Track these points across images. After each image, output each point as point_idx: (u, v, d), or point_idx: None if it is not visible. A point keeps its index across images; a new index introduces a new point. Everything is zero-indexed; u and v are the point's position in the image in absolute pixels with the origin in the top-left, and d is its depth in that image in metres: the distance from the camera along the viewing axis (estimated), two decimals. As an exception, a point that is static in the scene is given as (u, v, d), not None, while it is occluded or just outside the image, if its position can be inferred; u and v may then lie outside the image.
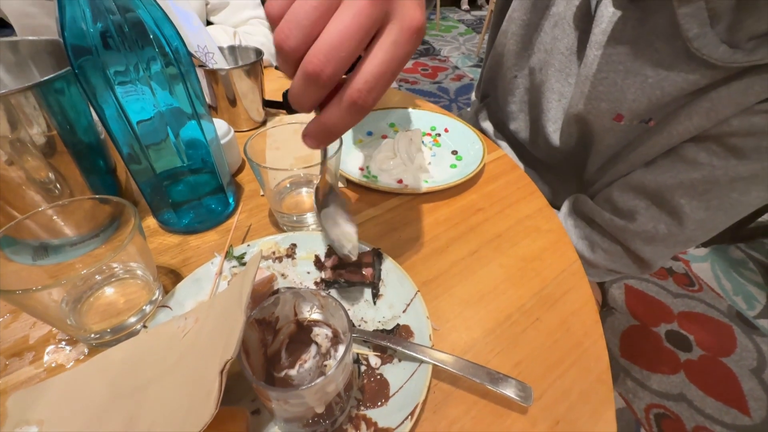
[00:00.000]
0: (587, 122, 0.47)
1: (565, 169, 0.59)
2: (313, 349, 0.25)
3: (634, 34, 0.40)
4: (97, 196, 0.32)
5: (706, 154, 0.40)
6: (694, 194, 0.41)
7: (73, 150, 0.36)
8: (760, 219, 1.51)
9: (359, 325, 0.31)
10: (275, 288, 0.32)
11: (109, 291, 0.33)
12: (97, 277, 0.32)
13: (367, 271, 0.33)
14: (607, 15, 0.41)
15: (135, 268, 0.34)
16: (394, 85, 2.84)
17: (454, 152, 0.53)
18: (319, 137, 0.23)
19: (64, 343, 0.31)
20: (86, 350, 0.30)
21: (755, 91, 0.34)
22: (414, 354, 0.27)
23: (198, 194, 0.40)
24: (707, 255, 1.48)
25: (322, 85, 0.20)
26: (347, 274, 0.33)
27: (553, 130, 0.54)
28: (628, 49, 0.40)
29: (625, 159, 0.47)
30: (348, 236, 0.32)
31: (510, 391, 0.26)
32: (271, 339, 0.24)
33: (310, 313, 0.25)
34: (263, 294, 0.31)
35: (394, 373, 0.27)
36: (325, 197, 0.33)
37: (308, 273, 0.35)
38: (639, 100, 0.41)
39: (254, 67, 0.54)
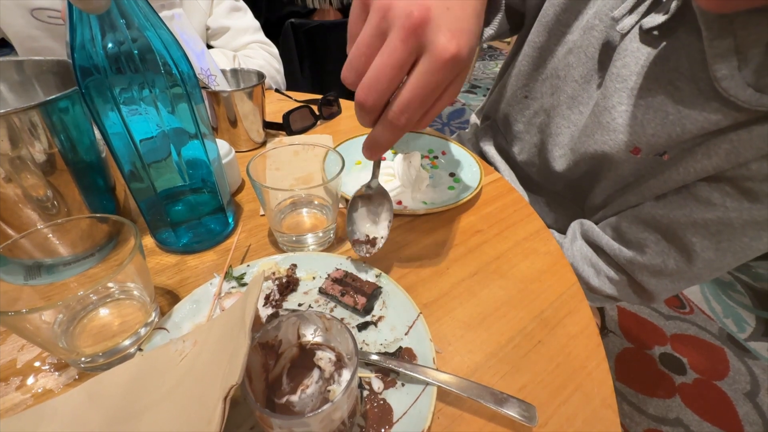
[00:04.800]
0: (603, 152, 0.46)
1: (566, 194, 0.60)
2: (315, 373, 0.25)
3: (657, 70, 0.40)
4: (96, 215, 0.32)
5: (719, 195, 0.40)
6: (706, 234, 0.41)
7: (73, 168, 0.36)
8: (745, 242, 1.54)
9: (361, 348, 0.30)
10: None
11: (103, 312, 0.32)
12: (92, 297, 0.32)
13: (359, 300, 0.33)
14: (631, 49, 0.42)
15: (132, 288, 0.33)
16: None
17: (452, 174, 0.54)
18: (370, 149, 0.30)
19: (52, 367, 0.30)
20: (76, 375, 0.29)
21: None
22: (420, 376, 0.26)
23: (198, 214, 0.40)
24: (696, 277, 1.50)
25: (369, 111, 0.26)
26: (342, 292, 0.34)
27: (560, 155, 0.54)
28: (650, 84, 0.41)
29: (634, 190, 0.47)
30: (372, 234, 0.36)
31: (514, 412, 0.25)
32: (273, 363, 0.24)
33: (314, 336, 0.24)
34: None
35: (398, 398, 0.27)
36: (373, 197, 0.37)
37: (305, 293, 0.35)
38: (658, 135, 0.41)
39: (256, 90, 0.55)
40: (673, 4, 0.38)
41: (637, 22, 0.41)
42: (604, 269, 0.49)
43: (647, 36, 0.41)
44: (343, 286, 0.34)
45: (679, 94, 0.39)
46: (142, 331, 0.31)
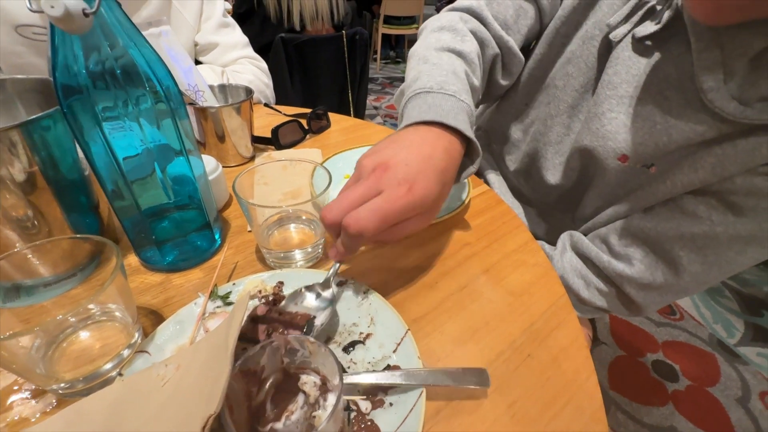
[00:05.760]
0: (592, 158, 0.47)
1: (557, 205, 0.60)
2: (300, 398, 0.24)
3: (647, 79, 0.41)
4: (76, 236, 0.31)
5: (705, 208, 0.40)
6: (693, 247, 0.42)
7: (55, 187, 0.35)
8: (731, 248, 1.57)
9: (349, 368, 0.30)
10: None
11: (84, 335, 0.31)
12: (71, 320, 0.31)
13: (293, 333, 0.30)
14: (623, 58, 0.43)
15: (113, 309, 0.32)
16: (379, 120, 2.92)
17: (441, 187, 0.54)
18: (335, 253, 0.33)
19: (29, 393, 0.29)
20: (54, 401, 0.28)
21: (761, 154, 0.36)
22: (410, 382, 0.26)
23: (183, 231, 0.40)
24: (685, 283, 1.52)
25: (329, 226, 0.31)
26: (268, 331, 0.30)
27: (559, 163, 0.54)
28: (640, 93, 0.42)
29: (623, 202, 0.48)
30: None
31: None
32: (256, 390, 0.23)
33: (298, 360, 0.24)
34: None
35: (386, 418, 0.26)
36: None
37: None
38: (646, 143, 0.42)
39: (243, 105, 0.55)
40: (666, 15, 0.39)
41: (630, 31, 0.42)
42: (594, 281, 0.49)
43: (639, 45, 0.42)
44: (268, 324, 0.30)
45: (668, 103, 0.40)
46: (125, 352, 0.30)
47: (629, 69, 0.42)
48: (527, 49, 0.57)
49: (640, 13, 0.41)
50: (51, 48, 0.28)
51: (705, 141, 0.39)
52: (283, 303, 0.32)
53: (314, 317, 0.32)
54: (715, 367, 1.21)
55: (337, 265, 0.34)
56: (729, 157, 0.37)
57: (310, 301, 0.33)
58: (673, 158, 0.42)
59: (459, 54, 0.48)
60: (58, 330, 0.30)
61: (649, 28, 0.40)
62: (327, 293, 0.33)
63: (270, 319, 0.31)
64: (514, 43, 0.53)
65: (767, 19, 0.32)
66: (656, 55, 0.41)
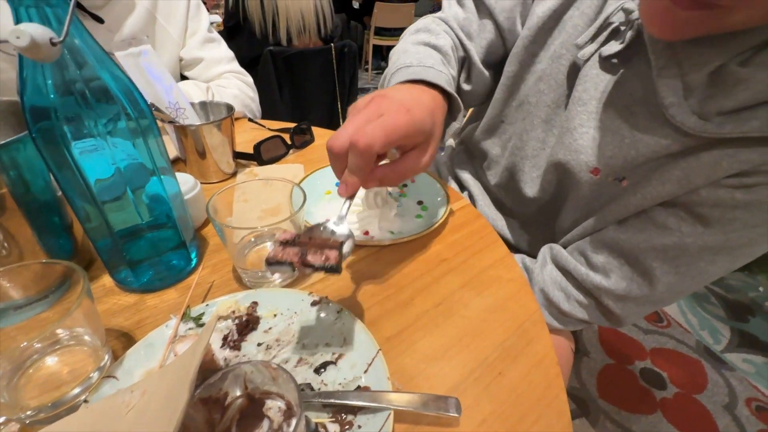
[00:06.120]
0: (566, 171, 0.49)
1: (537, 218, 0.61)
2: (265, 424, 0.24)
3: (614, 96, 0.43)
4: (44, 261, 0.31)
5: (675, 220, 0.42)
6: (665, 258, 0.42)
7: (26, 209, 0.35)
8: (716, 254, 1.59)
9: (319, 388, 0.30)
10: (213, 355, 0.31)
11: (51, 360, 0.31)
12: (37, 345, 0.30)
13: (330, 254, 0.29)
14: (591, 75, 0.45)
15: (82, 333, 0.32)
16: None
17: (420, 202, 0.55)
18: (346, 189, 0.34)
19: (-8, 422, 0.28)
20: (16, 430, 0.28)
21: (723, 167, 0.37)
22: (377, 405, 0.26)
23: (158, 251, 0.40)
24: (672, 290, 1.54)
25: (336, 155, 0.33)
26: (303, 252, 0.29)
27: (536, 176, 0.55)
28: (608, 109, 0.43)
29: (598, 215, 0.49)
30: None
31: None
32: (219, 417, 0.23)
33: (262, 384, 0.24)
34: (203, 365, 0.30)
35: (354, 441, 0.26)
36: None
37: (266, 332, 0.34)
38: (615, 157, 0.43)
39: (225, 122, 0.55)
40: (629, 34, 0.41)
41: (596, 51, 0.44)
42: (574, 293, 0.50)
43: (606, 63, 0.43)
44: (300, 247, 0.30)
45: (634, 118, 0.42)
46: (94, 376, 0.30)
47: (597, 86, 0.44)
48: (494, 66, 0.60)
49: (605, 33, 0.43)
50: (19, 73, 0.28)
51: (671, 154, 0.40)
52: (304, 232, 0.33)
53: (343, 242, 0.32)
54: (702, 374, 1.22)
55: (348, 202, 0.35)
56: (693, 170, 0.39)
57: (330, 233, 0.34)
58: (642, 172, 0.43)
59: (434, 47, 0.52)
60: (23, 357, 0.30)
61: (614, 47, 0.42)
62: (343, 228, 0.34)
63: (302, 242, 0.31)
64: (475, 53, 0.56)
65: (721, 36, 0.33)
66: (622, 73, 0.42)
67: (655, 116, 0.40)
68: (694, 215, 0.41)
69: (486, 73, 0.58)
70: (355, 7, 4.32)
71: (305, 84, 1.43)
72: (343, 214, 0.35)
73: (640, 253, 0.44)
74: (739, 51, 0.33)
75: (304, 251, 0.29)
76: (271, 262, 0.29)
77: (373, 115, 0.33)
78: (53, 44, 0.26)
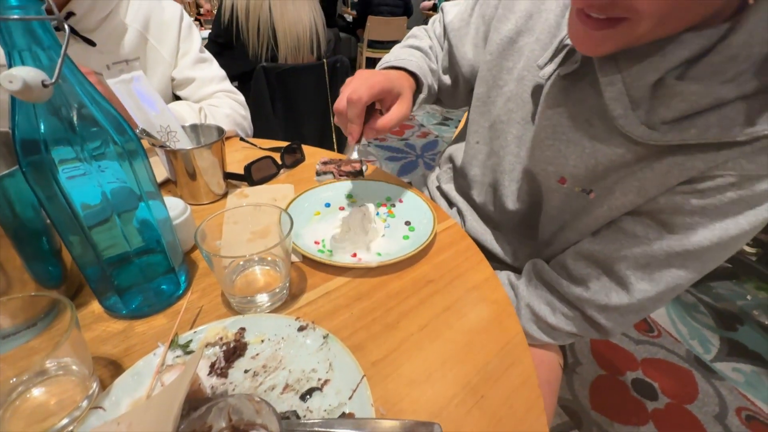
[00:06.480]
0: (537, 181, 0.53)
1: (521, 231, 0.63)
2: (248, 455, 0.25)
3: (575, 110, 0.46)
4: (27, 294, 0.31)
5: (642, 228, 0.44)
6: (637, 266, 0.44)
7: (14, 237, 0.36)
8: (704, 264, 1.62)
9: (305, 416, 0.31)
10: (200, 384, 0.31)
11: (38, 391, 0.31)
12: (23, 377, 0.31)
13: (355, 165, 0.52)
14: (553, 93, 0.48)
15: (69, 363, 0.32)
16: (364, 141, 2.97)
17: (407, 223, 0.56)
18: (352, 137, 0.50)
19: (-22, 455, 0.28)
20: (2, 464, 0.28)
21: (674, 175, 0.40)
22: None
23: (146, 277, 0.40)
24: (662, 300, 1.56)
25: (339, 116, 0.50)
26: (339, 165, 0.52)
27: (516, 189, 0.60)
28: (570, 122, 0.47)
29: (572, 228, 0.52)
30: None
31: None
32: (203, 450, 0.24)
33: (247, 417, 0.25)
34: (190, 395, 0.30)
35: (337, 469, 0.27)
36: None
37: (253, 358, 0.35)
38: (578, 166, 0.47)
39: (215, 145, 0.56)
40: (580, 54, 0.44)
41: (555, 70, 0.47)
42: (559, 306, 0.51)
43: (565, 81, 0.47)
44: (335, 165, 0.51)
45: (594, 130, 0.45)
46: (83, 404, 0.30)
47: (559, 102, 0.48)
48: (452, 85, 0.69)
49: (562, 54, 0.46)
50: (11, 111, 0.29)
51: (627, 164, 0.43)
52: (331, 161, 0.56)
53: (362, 160, 0.51)
54: (692, 384, 1.23)
55: (357, 146, 0.51)
56: (649, 179, 0.42)
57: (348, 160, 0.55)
58: (606, 184, 0.46)
59: (416, 48, 0.66)
60: (10, 389, 0.30)
61: (570, 66, 0.45)
62: (357, 165, 0.56)
63: (333, 162, 0.52)
64: (439, 66, 0.68)
65: (655, 52, 0.36)
66: (579, 89, 0.46)
67: (611, 127, 0.43)
68: (659, 222, 0.43)
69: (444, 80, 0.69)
70: (348, 20, 4.39)
71: (298, 99, 1.45)
72: (354, 155, 0.54)
73: (614, 262, 0.46)
74: (673, 65, 0.36)
75: (338, 165, 0.50)
76: (319, 173, 0.50)
77: (358, 80, 0.47)
78: (45, 86, 0.27)
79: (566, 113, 0.47)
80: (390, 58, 0.61)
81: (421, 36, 0.69)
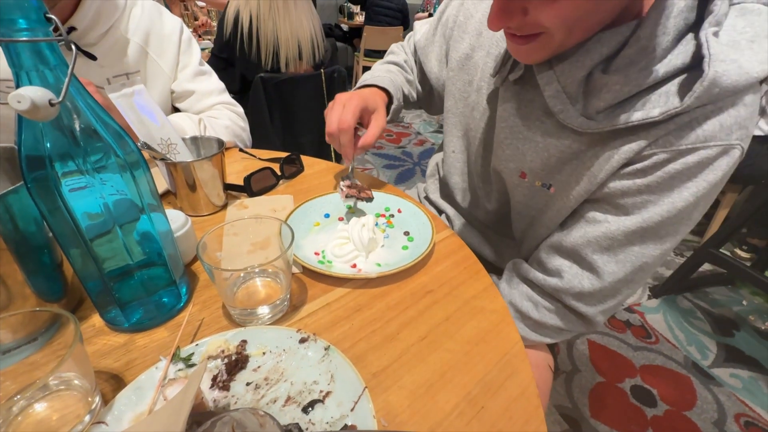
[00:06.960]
0: (502, 178, 0.59)
1: (501, 230, 0.68)
2: (252, 468, 0.25)
3: (527, 111, 0.51)
4: (30, 309, 0.32)
5: (600, 213, 0.47)
6: (601, 249, 0.47)
7: (16, 251, 0.36)
8: (700, 269, 1.63)
9: (307, 429, 0.31)
10: (202, 398, 0.32)
11: (39, 407, 0.31)
12: (27, 392, 0.31)
13: (368, 193, 0.59)
14: (506, 97, 0.53)
15: (72, 377, 0.33)
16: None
17: (407, 233, 0.56)
18: (346, 157, 0.59)
19: (-20, 472, 0.28)
20: (5, 481, 0.28)
21: (615, 159, 0.44)
22: None
23: (148, 290, 0.40)
24: (659, 306, 1.57)
25: (331, 139, 0.57)
26: (360, 190, 0.58)
27: (489, 190, 0.65)
28: (523, 122, 0.51)
29: (541, 223, 0.57)
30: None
31: None
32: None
33: (251, 430, 0.25)
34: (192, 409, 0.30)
35: (340, 482, 0.27)
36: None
37: (254, 371, 0.35)
38: (534, 160, 0.51)
39: (215, 158, 0.57)
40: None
41: (506, 78, 0.52)
42: (540, 301, 0.53)
43: (515, 86, 0.52)
44: (356, 190, 0.58)
45: (545, 126, 0.49)
46: (87, 418, 0.31)
47: (512, 105, 0.52)
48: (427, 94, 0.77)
49: (509, 63, 0.51)
50: (18, 129, 0.30)
51: (575, 154, 0.47)
52: (346, 179, 0.62)
53: (370, 189, 0.61)
54: (691, 390, 1.23)
55: (351, 165, 0.62)
56: (596, 166, 0.45)
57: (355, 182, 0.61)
58: (563, 177, 0.50)
59: (394, 63, 0.74)
60: (12, 404, 0.30)
61: (517, 73, 0.50)
62: (369, 193, 0.60)
63: (354, 186, 0.59)
64: (415, 77, 0.76)
65: (579, 52, 0.41)
66: (527, 91, 0.51)
67: (557, 122, 0.47)
68: (613, 206, 0.46)
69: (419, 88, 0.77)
70: (345, 29, 4.44)
71: (296, 109, 1.46)
72: (350, 172, 0.63)
73: (581, 249, 0.49)
74: (597, 60, 0.41)
75: (359, 190, 0.58)
76: (348, 196, 0.57)
77: (340, 107, 0.55)
78: (52, 105, 0.27)
79: (519, 114, 0.52)
80: (368, 76, 0.69)
81: (398, 52, 0.79)
